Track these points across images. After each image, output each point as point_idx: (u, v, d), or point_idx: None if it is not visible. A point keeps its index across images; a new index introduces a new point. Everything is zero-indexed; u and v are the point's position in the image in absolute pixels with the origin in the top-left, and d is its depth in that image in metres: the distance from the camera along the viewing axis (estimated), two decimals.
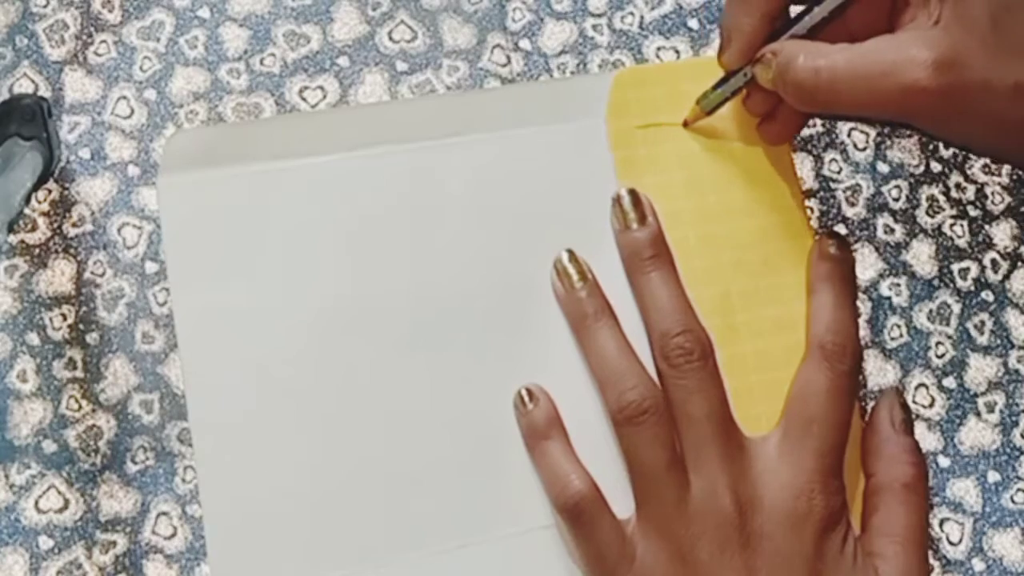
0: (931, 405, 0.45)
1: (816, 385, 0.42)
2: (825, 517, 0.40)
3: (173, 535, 0.42)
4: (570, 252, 0.43)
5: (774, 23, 0.43)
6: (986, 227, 0.47)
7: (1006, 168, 0.47)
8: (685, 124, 0.45)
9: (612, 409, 0.41)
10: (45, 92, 0.45)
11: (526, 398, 0.42)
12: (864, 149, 0.47)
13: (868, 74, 0.40)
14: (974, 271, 0.46)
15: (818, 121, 0.47)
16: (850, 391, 0.42)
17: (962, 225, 0.47)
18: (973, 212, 0.47)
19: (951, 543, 0.44)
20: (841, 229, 0.46)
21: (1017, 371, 0.46)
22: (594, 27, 0.47)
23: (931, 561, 0.44)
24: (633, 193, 0.44)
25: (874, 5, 0.43)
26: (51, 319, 0.43)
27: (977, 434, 0.45)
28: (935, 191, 0.47)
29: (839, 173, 0.47)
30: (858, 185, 0.47)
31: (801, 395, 0.42)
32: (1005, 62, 0.39)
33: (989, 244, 0.47)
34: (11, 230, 0.44)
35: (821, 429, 0.41)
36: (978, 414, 0.45)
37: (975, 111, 0.40)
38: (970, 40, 0.39)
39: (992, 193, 0.47)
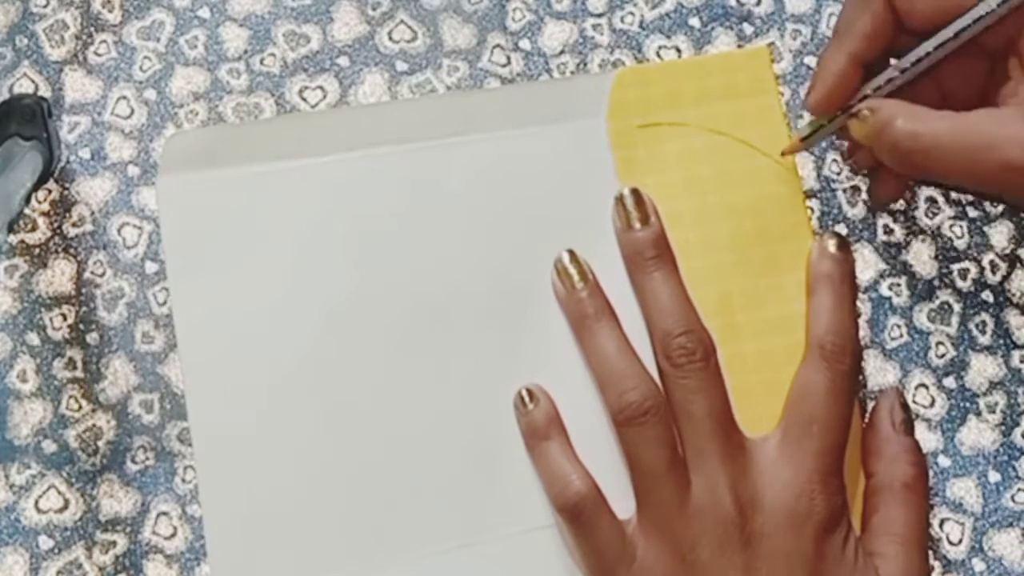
0: (931, 405, 0.45)
1: (816, 385, 0.42)
2: (826, 517, 0.40)
3: (173, 535, 0.42)
4: (571, 252, 0.43)
5: (866, 68, 0.43)
6: (985, 228, 0.47)
7: None
8: (783, 154, 0.45)
9: (613, 409, 0.41)
10: (45, 92, 0.45)
11: (526, 398, 0.42)
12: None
13: (968, 147, 0.39)
14: (973, 272, 0.46)
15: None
16: (850, 391, 0.42)
17: (961, 226, 0.47)
18: (972, 213, 0.47)
19: (951, 543, 0.44)
20: (841, 229, 0.46)
21: (1018, 371, 0.46)
22: (594, 27, 0.47)
23: (931, 561, 0.44)
24: (636, 192, 0.44)
25: (971, 60, 0.43)
26: (51, 319, 0.43)
27: (977, 434, 0.45)
28: (934, 192, 0.47)
29: (839, 173, 0.47)
30: (858, 185, 0.47)
31: (801, 395, 0.42)
32: None
33: (988, 245, 0.47)
34: (11, 230, 0.44)
35: (821, 429, 0.41)
36: (978, 414, 0.45)
37: None
38: None
39: None
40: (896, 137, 0.41)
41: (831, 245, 0.44)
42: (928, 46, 0.42)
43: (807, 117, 0.47)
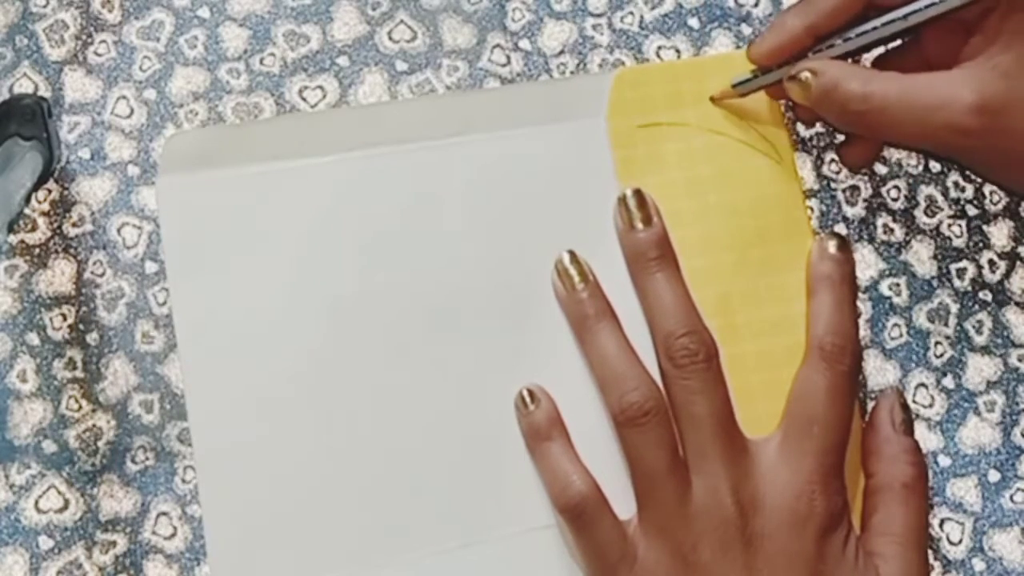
0: (931, 405, 0.45)
1: (816, 386, 0.42)
2: (826, 518, 0.40)
3: (173, 535, 0.42)
4: (571, 253, 0.43)
5: (818, 39, 0.44)
6: (984, 227, 0.47)
7: None
8: (712, 99, 0.45)
9: (613, 410, 0.41)
10: (45, 92, 0.45)
11: (527, 399, 0.42)
12: None
13: (916, 107, 0.41)
14: (971, 271, 0.46)
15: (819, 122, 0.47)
16: (850, 391, 0.42)
17: (960, 225, 0.47)
18: (971, 212, 0.47)
19: (951, 543, 0.44)
20: (841, 229, 0.46)
21: (1017, 370, 0.46)
22: (594, 27, 0.47)
23: (931, 561, 0.44)
24: (639, 193, 0.44)
25: (951, 35, 0.43)
26: (51, 319, 0.43)
27: (977, 434, 0.45)
28: (934, 191, 0.47)
29: (839, 173, 0.47)
30: (858, 185, 0.47)
31: (801, 396, 0.42)
32: None
33: (987, 244, 0.47)
34: (11, 230, 0.44)
35: (821, 430, 0.41)
36: (978, 413, 0.45)
37: (1019, 156, 0.41)
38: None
39: (990, 193, 0.47)
40: (846, 98, 0.42)
41: (831, 246, 0.44)
42: (876, 22, 0.43)
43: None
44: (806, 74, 0.43)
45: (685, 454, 0.41)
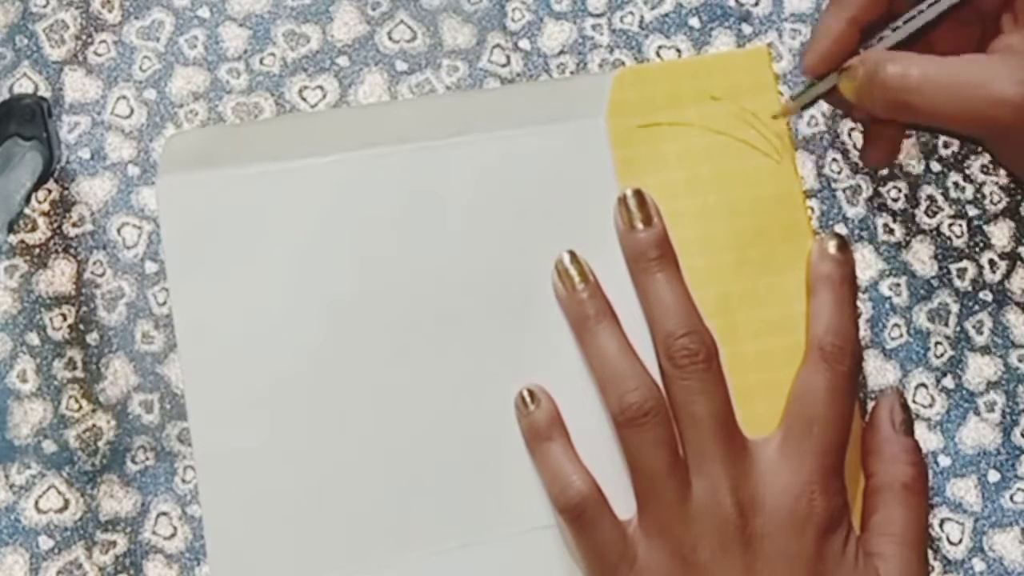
0: (931, 405, 0.45)
1: (816, 386, 0.42)
2: (826, 518, 0.40)
3: (173, 535, 0.42)
4: (571, 253, 0.43)
5: (863, 32, 0.44)
6: (984, 227, 0.47)
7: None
8: (775, 117, 0.46)
9: (613, 410, 0.41)
10: (45, 92, 0.45)
11: (527, 399, 0.42)
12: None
13: (958, 83, 0.41)
14: (972, 271, 0.46)
15: (819, 121, 0.47)
16: (850, 392, 0.42)
17: (960, 225, 0.47)
18: (972, 212, 0.47)
19: (951, 543, 0.44)
20: (841, 229, 0.46)
21: (1017, 370, 0.46)
22: (594, 27, 0.47)
23: (931, 561, 0.44)
24: (639, 193, 0.44)
25: (964, 28, 0.44)
26: (51, 319, 0.43)
27: (977, 434, 0.45)
28: (934, 191, 0.47)
29: (839, 173, 0.47)
30: (858, 185, 0.47)
31: (801, 396, 0.42)
32: None
33: (987, 244, 0.47)
34: (11, 230, 0.44)
35: (821, 430, 0.41)
36: (978, 413, 0.45)
37: None
38: None
39: (990, 193, 0.47)
40: (888, 79, 0.42)
41: (831, 246, 0.44)
42: (923, 6, 0.42)
43: (808, 116, 0.47)
44: (855, 64, 0.43)
45: (685, 454, 0.41)
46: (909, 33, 0.43)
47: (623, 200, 0.44)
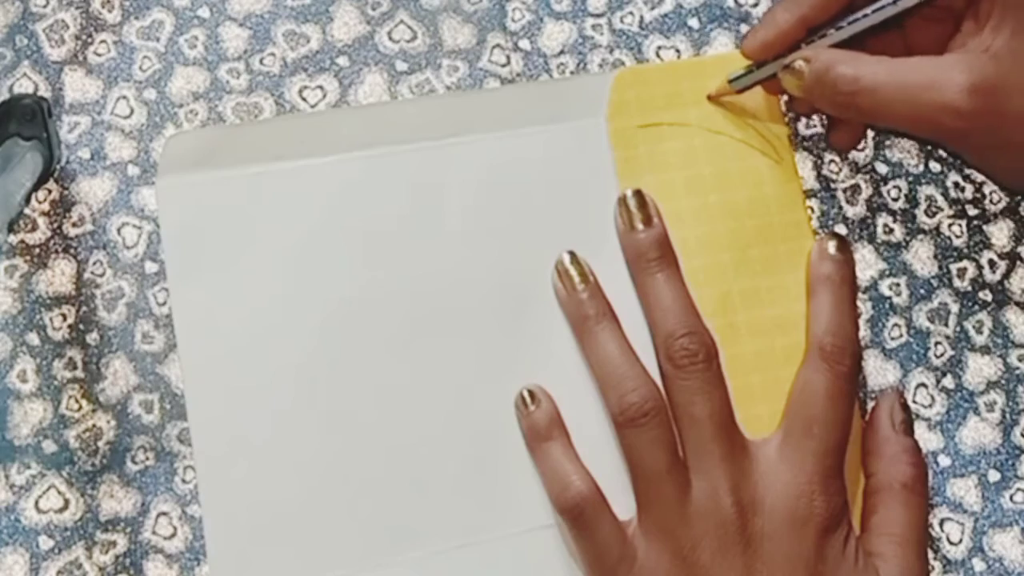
0: (931, 405, 0.45)
1: (815, 386, 0.42)
2: (826, 518, 0.40)
3: (173, 535, 0.42)
4: (572, 254, 0.43)
5: (810, 30, 0.44)
6: (984, 227, 0.47)
7: None
8: (710, 97, 0.46)
9: (613, 411, 0.41)
10: (45, 92, 0.45)
11: (528, 399, 0.42)
12: (863, 149, 0.47)
13: (908, 86, 0.41)
14: (972, 271, 0.46)
15: (818, 121, 0.47)
16: (850, 392, 0.42)
17: (960, 225, 0.47)
18: (971, 212, 0.47)
19: (951, 543, 0.44)
20: (841, 229, 0.46)
21: (1017, 370, 0.46)
22: (594, 27, 0.47)
23: (931, 561, 0.44)
24: (639, 194, 0.44)
25: (935, 24, 0.44)
26: (51, 319, 0.43)
27: (977, 434, 0.45)
28: (934, 191, 0.47)
29: (839, 173, 0.47)
30: (858, 185, 0.47)
31: (801, 397, 0.42)
32: None
33: (987, 244, 0.47)
34: (11, 230, 0.44)
35: (821, 430, 0.41)
36: (978, 413, 0.45)
37: (1010, 142, 0.41)
38: (1018, 73, 0.40)
39: (990, 193, 0.47)
40: (836, 78, 0.42)
41: (831, 246, 0.44)
42: (867, 9, 0.43)
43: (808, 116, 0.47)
44: (800, 63, 0.43)
45: (685, 455, 0.41)
46: (852, 34, 0.43)
47: (623, 200, 0.44)
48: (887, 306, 0.46)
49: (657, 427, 0.40)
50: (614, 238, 0.44)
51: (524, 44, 0.47)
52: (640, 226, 0.43)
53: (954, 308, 0.46)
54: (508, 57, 0.47)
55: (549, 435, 0.42)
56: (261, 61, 0.46)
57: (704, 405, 0.41)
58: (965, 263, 0.46)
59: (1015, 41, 0.41)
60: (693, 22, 0.48)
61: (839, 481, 0.41)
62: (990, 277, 0.46)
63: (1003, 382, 0.45)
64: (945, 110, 0.40)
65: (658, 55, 0.47)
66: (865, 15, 0.43)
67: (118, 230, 0.44)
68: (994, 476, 0.45)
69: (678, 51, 0.47)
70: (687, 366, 0.41)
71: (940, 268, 0.46)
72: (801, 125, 0.47)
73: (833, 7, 0.43)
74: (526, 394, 0.42)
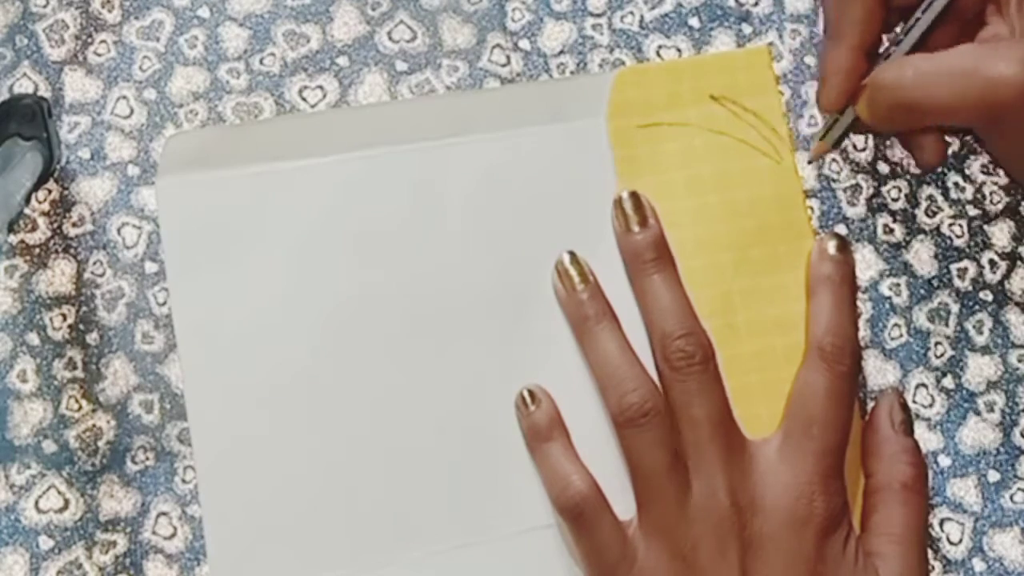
0: (931, 405, 0.45)
1: (815, 387, 0.42)
2: (826, 519, 0.40)
3: (173, 535, 0.42)
4: (572, 254, 0.43)
5: (869, 56, 0.44)
6: (985, 227, 0.47)
7: None
8: (810, 162, 0.46)
9: (613, 411, 0.41)
10: (45, 92, 0.45)
11: (528, 399, 0.42)
12: (864, 149, 0.47)
13: (953, 72, 0.40)
14: (972, 271, 0.46)
15: (819, 121, 0.47)
16: (849, 392, 0.42)
17: (960, 225, 0.47)
18: (972, 212, 0.47)
19: (951, 543, 0.44)
20: (841, 229, 0.46)
21: (1017, 370, 0.46)
22: (594, 27, 0.47)
23: (931, 561, 0.44)
24: (635, 195, 0.44)
25: (943, 26, 0.43)
26: (51, 319, 0.43)
27: (977, 434, 0.45)
28: (934, 191, 0.47)
29: (839, 173, 0.47)
30: (858, 185, 0.47)
31: (801, 397, 0.42)
32: None
33: (987, 244, 0.47)
34: (11, 230, 0.44)
35: (821, 431, 0.41)
36: (978, 413, 0.45)
37: None
38: None
39: (990, 193, 0.47)
40: (883, 83, 0.42)
41: (831, 247, 0.44)
42: (918, 12, 0.42)
43: (808, 116, 0.47)
44: (862, 90, 0.43)
45: (685, 455, 0.41)
46: (913, 42, 0.43)
47: (619, 202, 0.44)
48: (887, 306, 0.46)
49: (657, 427, 0.40)
50: (614, 238, 0.44)
51: (524, 44, 0.47)
52: (636, 228, 0.43)
53: (954, 308, 0.46)
54: (508, 57, 0.47)
55: (549, 435, 0.42)
56: (261, 61, 0.46)
57: (702, 406, 0.41)
58: (965, 263, 0.46)
59: None
60: (693, 21, 0.48)
61: (839, 481, 0.41)
62: (990, 277, 0.46)
63: (1003, 382, 0.45)
64: (997, 86, 0.40)
65: (658, 55, 0.47)
66: (917, 19, 0.43)
67: (118, 230, 0.44)
68: (994, 476, 0.45)
69: (679, 50, 0.47)
70: (684, 368, 0.41)
71: (940, 268, 0.46)
72: (802, 124, 0.47)
73: (874, 24, 0.43)
74: (526, 394, 0.42)
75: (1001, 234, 0.47)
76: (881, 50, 0.45)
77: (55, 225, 0.44)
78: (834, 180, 0.47)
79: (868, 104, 0.43)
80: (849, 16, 0.43)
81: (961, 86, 0.40)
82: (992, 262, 0.46)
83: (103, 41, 0.46)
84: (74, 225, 0.44)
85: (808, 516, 0.40)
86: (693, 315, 0.42)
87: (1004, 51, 0.40)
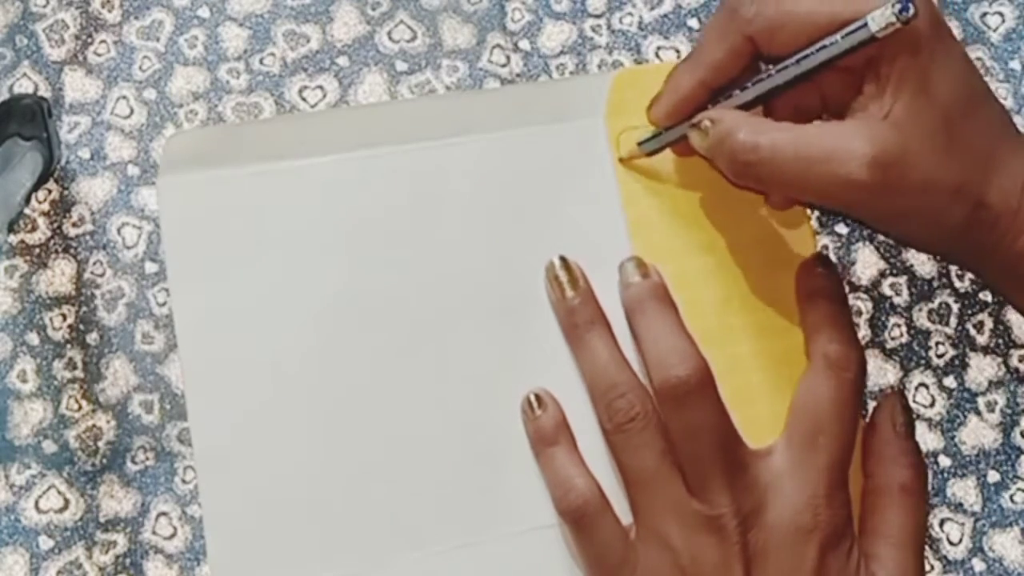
0: (932, 405, 0.45)
1: (821, 395, 0.41)
2: (830, 532, 0.40)
3: (173, 535, 0.42)
4: (562, 258, 0.43)
5: (713, 93, 0.42)
6: None
7: None
8: (622, 160, 0.45)
9: (601, 417, 0.41)
10: (45, 92, 0.45)
11: (534, 403, 0.42)
12: None
13: (805, 158, 0.39)
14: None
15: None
16: (855, 402, 0.41)
17: None
18: None
19: (951, 543, 0.44)
20: (841, 229, 0.46)
21: (1017, 371, 0.45)
22: (593, 27, 0.47)
23: (931, 561, 0.44)
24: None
25: (847, 77, 0.41)
26: (51, 319, 0.43)
27: (977, 434, 0.45)
28: None
29: None
30: None
31: (805, 405, 0.41)
32: (950, 165, 0.38)
33: None
34: (11, 230, 0.44)
35: (827, 441, 0.40)
36: (978, 414, 0.45)
37: (912, 210, 0.39)
38: (918, 139, 0.38)
39: None
40: (735, 148, 0.40)
41: (817, 265, 0.44)
42: (771, 70, 0.41)
43: None
44: (706, 123, 0.41)
45: (683, 468, 0.40)
46: (757, 95, 0.41)
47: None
48: (888, 306, 0.46)
49: (643, 430, 0.40)
50: (613, 238, 0.44)
51: (524, 44, 0.47)
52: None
53: (955, 308, 0.46)
54: (508, 57, 0.47)
55: (555, 440, 0.42)
56: (261, 61, 0.46)
57: (702, 418, 0.40)
58: None
59: (914, 105, 0.39)
60: (692, 22, 0.48)
61: (844, 493, 0.40)
62: None
63: (1004, 383, 0.45)
64: (846, 184, 0.38)
65: (657, 55, 0.47)
66: (770, 75, 0.41)
67: (118, 230, 0.44)
68: (994, 476, 0.45)
69: (677, 51, 0.47)
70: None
71: (941, 268, 0.46)
72: None
73: (732, 69, 0.42)
74: (533, 398, 0.42)
75: None
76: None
77: (55, 225, 0.44)
78: None
79: (712, 149, 0.41)
80: (711, 52, 0.42)
81: (812, 175, 0.39)
82: None
83: (103, 41, 0.46)
84: (74, 225, 0.44)
85: (812, 529, 0.39)
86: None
87: (860, 144, 0.38)
